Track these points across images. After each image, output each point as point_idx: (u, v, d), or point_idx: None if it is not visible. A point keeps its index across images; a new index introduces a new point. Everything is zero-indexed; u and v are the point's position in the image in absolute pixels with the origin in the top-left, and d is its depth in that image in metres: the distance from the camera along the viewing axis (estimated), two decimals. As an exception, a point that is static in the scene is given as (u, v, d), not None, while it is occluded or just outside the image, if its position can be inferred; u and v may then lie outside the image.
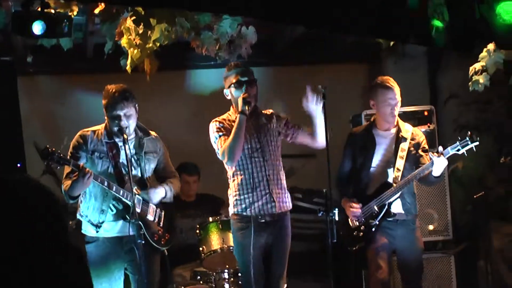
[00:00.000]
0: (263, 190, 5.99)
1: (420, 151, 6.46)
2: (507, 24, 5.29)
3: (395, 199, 6.38)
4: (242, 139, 5.91)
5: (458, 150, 6.23)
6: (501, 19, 5.29)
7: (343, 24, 5.93)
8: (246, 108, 5.91)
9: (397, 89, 6.46)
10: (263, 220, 5.98)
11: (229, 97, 6.15)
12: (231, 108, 6.19)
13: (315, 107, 5.95)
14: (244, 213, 6.00)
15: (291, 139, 6.26)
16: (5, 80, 7.60)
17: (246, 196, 6.01)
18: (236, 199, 6.05)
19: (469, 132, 6.28)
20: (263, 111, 6.26)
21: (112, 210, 5.82)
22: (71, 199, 5.74)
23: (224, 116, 6.17)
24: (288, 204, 6.14)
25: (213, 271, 6.96)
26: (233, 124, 6.02)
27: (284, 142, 6.28)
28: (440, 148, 6.25)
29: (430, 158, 6.22)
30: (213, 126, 6.10)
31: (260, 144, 6.04)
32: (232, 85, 6.03)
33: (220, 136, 6.01)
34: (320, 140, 6.02)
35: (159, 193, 6.04)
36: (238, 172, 6.05)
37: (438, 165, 6.19)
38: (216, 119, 6.14)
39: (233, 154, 5.91)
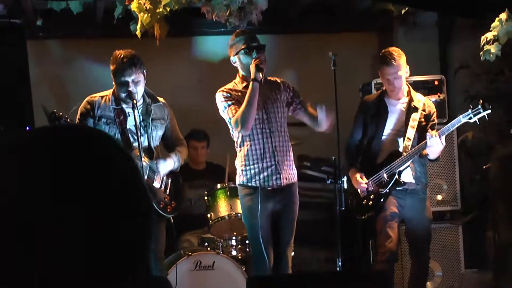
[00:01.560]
0: (269, 162, 6.00)
1: (429, 127, 6.41)
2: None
3: (405, 168, 6.36)
4: (255, 107, 5.89)
5: (470, 118, 6.18)
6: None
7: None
8: (260, 74, 5.89)
9: (400, 63, 6.31)
10: (270, 188, 6.00)
11: (236, 64, 6.13)
12: (237, 76, 6.16)
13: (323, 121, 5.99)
14: (250, 184, 6.02)
15: (293, 113, 6.25)
16: (15, 43, 7.56)
17: (251, 166, 6.02)
18: (242, 169, 6.07)
19: (481, 100, 6.24)
20: (270, 79, 6.24)
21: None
22: None
23: (230, 85, 6.14)
24: (294, 177, 6.15)
25: (220, 237, 6.97)
26: (239, 94, 6.01)
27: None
28: (434, 132, 6.20)
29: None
30: (220, 95, 6.06)
31: (267, 115, 6.03)
32: (242, 51, 6.00)
33: (229, 105, 5.99)
34: (320, 127, 6.04)
35: (167, 165, 6.05)
36: (245, 143, 6.05)
37: (432, 145, 6.15)
38: (222, 89, 6.11)
39: (247, 122, 5.89)
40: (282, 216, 6.08)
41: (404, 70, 6.38)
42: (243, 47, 5.99)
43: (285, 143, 6.09)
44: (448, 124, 6.30)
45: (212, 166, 8.18)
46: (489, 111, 6.13)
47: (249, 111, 5.87)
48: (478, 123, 6.24)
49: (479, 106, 6.14)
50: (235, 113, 5.93)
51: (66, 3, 6.74)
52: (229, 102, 6.00)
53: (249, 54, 5.98)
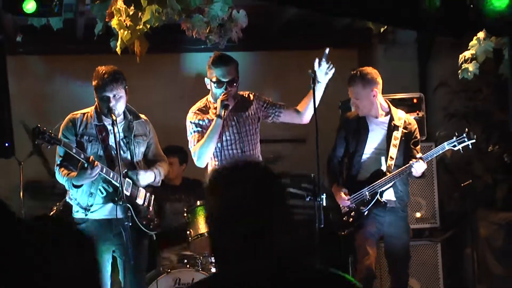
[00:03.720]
0: None
1: (411, 144, 6.44)
2: (497, 11, 5.28)
3: (387, 188, 6.35)
4: (215, 142, 5.98)
5: (454, 146, 6.23)
6: (492, 6, 5.28)
7: (334, 6, 5.89)
8: (223, 112, 5.92)
9: (362, 83, 6.39)
10: None
11: (208, 87, 6.14)
12: (210, 94, 6.19)
13: (324, 75, 6.04)
14: None
15: (272, 119, 6.28)
16: (-6, 58, 7.54)
17: None
18: None
19: (466, 129, 6.27)
20: (242, 94, 6.24)
21: (102, 193, 5.81)
22: (74, 187, 5.76)
23: (203, 103, 6.20)
24: None
25: (200, 254, 6.96)
26: (212, 112, 6.03)
27: (271, 127, 6.27)
28: (419, 154, 6.26)
29: (415, 157, 6.22)
30: (189, 120, 6.14)
31: (239, 135, 6.06)
32: (214, 82, 6.02)
33: (194, 132, 6.05)
34: (308, 115, 6.17)
35: (147, 177, 6.04)
36: (214, 162, 6.08)
37: (417, 168, 6.20)
38: (195, 110, 6.16)
39: (204, 157, 6.03)
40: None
41: (365, 90, 6.39)
42: (214, 79, 6.02)
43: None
44: (432, 151, 6.35)
45: (189, 182, 8.13)
46: (473, 141, 6.19)
47: (208, 146, 5.97)
48: (462, 151, 6.28)
49: (464, 135, 6.20)
50: (197, 143, 5.98)
51: (47, 20, 6.72)
52: (195, 129, 6.07)
53: (219, 86, 6.01)
